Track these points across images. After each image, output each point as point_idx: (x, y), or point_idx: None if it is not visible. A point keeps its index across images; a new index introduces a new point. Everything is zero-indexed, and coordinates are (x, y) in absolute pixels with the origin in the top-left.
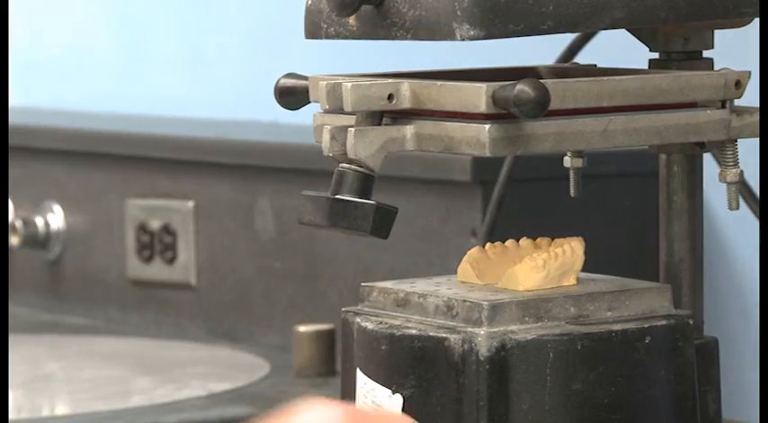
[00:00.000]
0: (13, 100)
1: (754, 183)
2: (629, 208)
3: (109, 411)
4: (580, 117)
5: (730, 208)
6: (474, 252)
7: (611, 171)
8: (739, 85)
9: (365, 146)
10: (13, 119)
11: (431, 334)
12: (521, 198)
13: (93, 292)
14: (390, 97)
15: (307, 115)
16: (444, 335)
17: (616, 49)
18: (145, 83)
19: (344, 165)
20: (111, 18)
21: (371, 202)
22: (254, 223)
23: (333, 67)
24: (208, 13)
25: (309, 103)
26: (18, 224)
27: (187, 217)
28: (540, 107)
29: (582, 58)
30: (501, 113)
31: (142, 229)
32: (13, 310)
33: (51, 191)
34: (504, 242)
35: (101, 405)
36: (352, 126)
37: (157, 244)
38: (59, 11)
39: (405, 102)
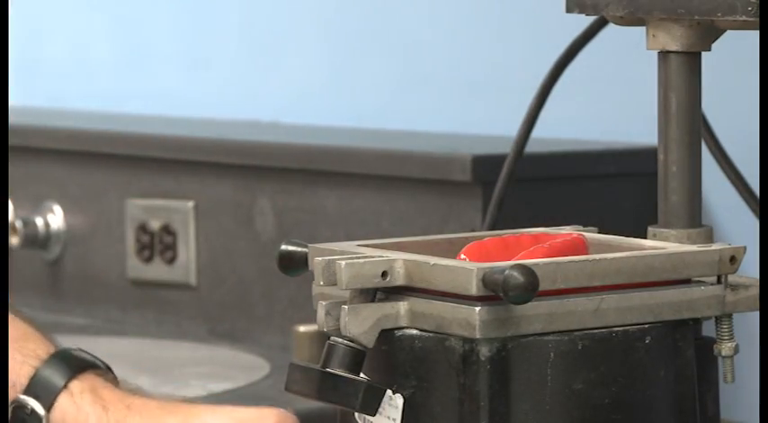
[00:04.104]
0: (13, 100)
1: (755, 183)
2: (629, 208)
3: None
4: (571, 297)
5: (725, 381)
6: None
7: (611, 171)
8: (734, 260)
9: (358, 323)
10: (13, 119)
11: (431, 334)
12: (521, 198)
13: (93, 292)
14: (384, 275)
15: (307, 115)
16: (445, 334)
17: (616, 48)
18: (145, 83)
19: (335, 338)
20: (112, 18)
21: (362, 379)
22: (254, 223)
23: (332, 67)
24: (208, 13)
25: (309, 270)
26: (18, 224)
27: (187, 217)
28: (529, 293)
29: (584, 56)
30: (492, 295)
31: (142, 229)
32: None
33: (51, 191)
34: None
35: None
36: (345, 303)
37: (157, 244)
38: (60, 11)
39: (398, 279)
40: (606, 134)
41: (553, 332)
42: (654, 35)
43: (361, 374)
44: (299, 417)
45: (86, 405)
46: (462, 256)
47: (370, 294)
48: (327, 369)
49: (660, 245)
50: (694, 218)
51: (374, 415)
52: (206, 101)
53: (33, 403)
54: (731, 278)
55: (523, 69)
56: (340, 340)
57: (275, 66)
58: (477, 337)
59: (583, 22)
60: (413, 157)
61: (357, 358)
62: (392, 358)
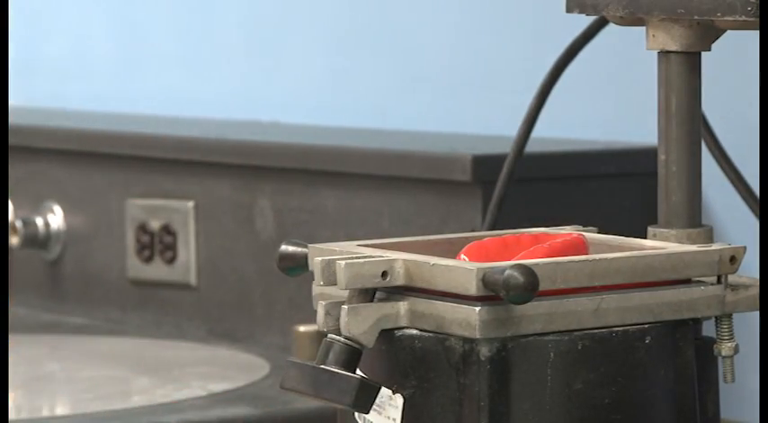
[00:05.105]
0: (13, 100)
1: (755, 183)
2: (629, 208)
3: (109, 411)
4: (571, 297)
5: (725, 381)
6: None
7: (611, 171)
8: (734, 260)
9: (358, 323)
10: (13, 119)
11: (431, 333)
12: (521, 198)
13: (93, 292)
14: (384, 275)
15: (307, 116)
16: (445, 334)
17: (616, 48)
18: (145, 83)
19: (332, 335)
20: (112, 18)
21: (356, 376)
22: (254, 223)
23: (332, 67)
24: (208, 13)
25: (309, 270)
26: (18, 224)
27: (187, 217)
28: (529, 293)
29: (584, 56)
30: (491, 295)
31: (142, 229)
32: (13, 310)
33: (51, 191)
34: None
35: (101, 405)
36: (345, 303)
37: (157, 244)
38: (60, 11)
39: (398, 279)
40: (606, 134)
41: (553, 332)
42: (654, 35)
43: (359, 372)
44: (298, 416)
45: None
46: (462, 256)
47: (370, 294)
48: (322, 366)
49: (660, 245)
50: (694, 218)
51: (368, 412)
52: (206, 101)
53: None
54: (731, 278)
55: (523, 69)
56: (336, 337)
57: (275, 66)
58: (477, 337)
59: (583, 22)
60: (413, 157)
61: (353, 356)
62: (392, 358)
